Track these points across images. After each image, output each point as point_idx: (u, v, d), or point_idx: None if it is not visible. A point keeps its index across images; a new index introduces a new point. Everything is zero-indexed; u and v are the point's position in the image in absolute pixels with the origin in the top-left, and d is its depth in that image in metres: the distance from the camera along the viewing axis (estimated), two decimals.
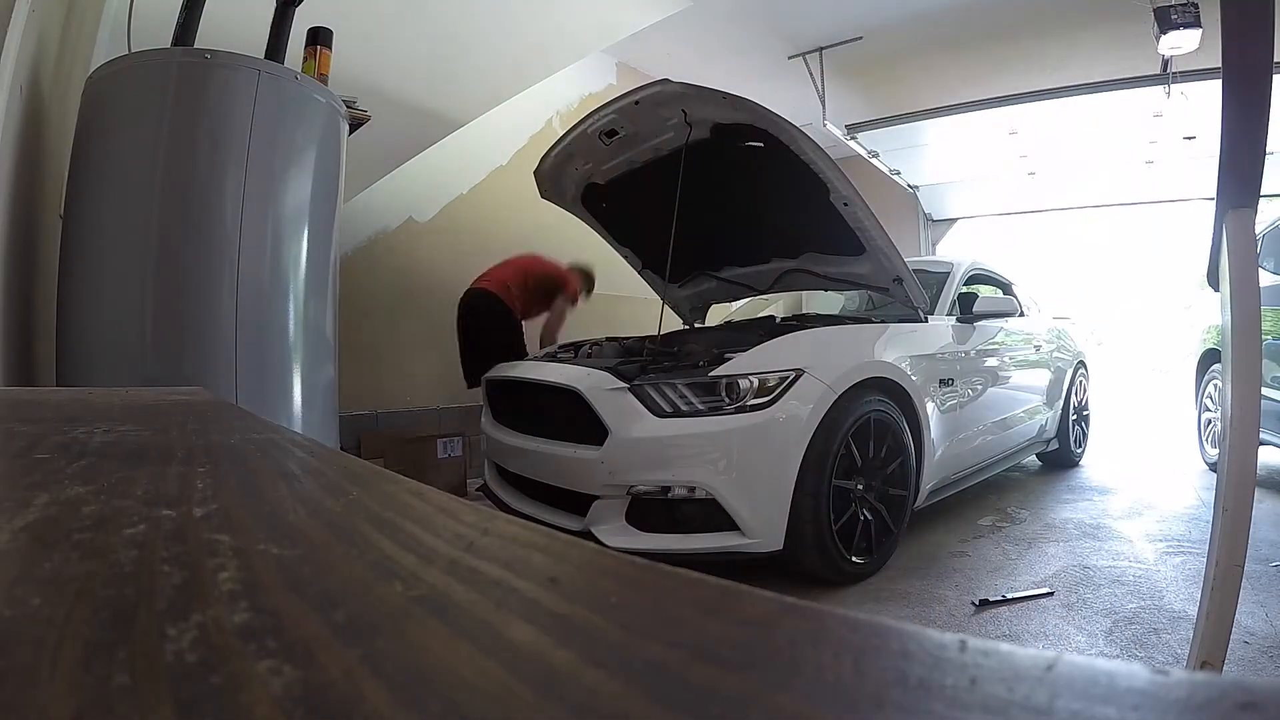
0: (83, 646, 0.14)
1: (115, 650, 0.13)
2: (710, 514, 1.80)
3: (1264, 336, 2.55)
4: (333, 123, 1.65)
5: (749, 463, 1.81)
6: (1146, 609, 1.76)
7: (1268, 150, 1.07)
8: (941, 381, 2.44)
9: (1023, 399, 3.22)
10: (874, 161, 5.52)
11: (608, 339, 2.74)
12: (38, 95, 1.57)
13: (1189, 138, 4.63)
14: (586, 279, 3.45)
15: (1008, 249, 7.23)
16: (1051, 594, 1.87)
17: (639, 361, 2.09)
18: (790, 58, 4.50)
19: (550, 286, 3.33)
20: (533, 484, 2.18)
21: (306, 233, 1.56)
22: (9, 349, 1.39)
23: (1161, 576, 1.99)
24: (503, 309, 3.15)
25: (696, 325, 3.43)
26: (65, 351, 1.42)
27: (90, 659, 0.13)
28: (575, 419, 1.98)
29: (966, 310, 2.81)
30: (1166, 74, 3.73)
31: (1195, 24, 3.19)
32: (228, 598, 0.16)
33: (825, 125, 4.66)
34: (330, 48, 1.79)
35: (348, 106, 1.74)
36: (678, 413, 1.85)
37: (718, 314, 3.73)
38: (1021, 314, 3.33)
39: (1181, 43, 3.28)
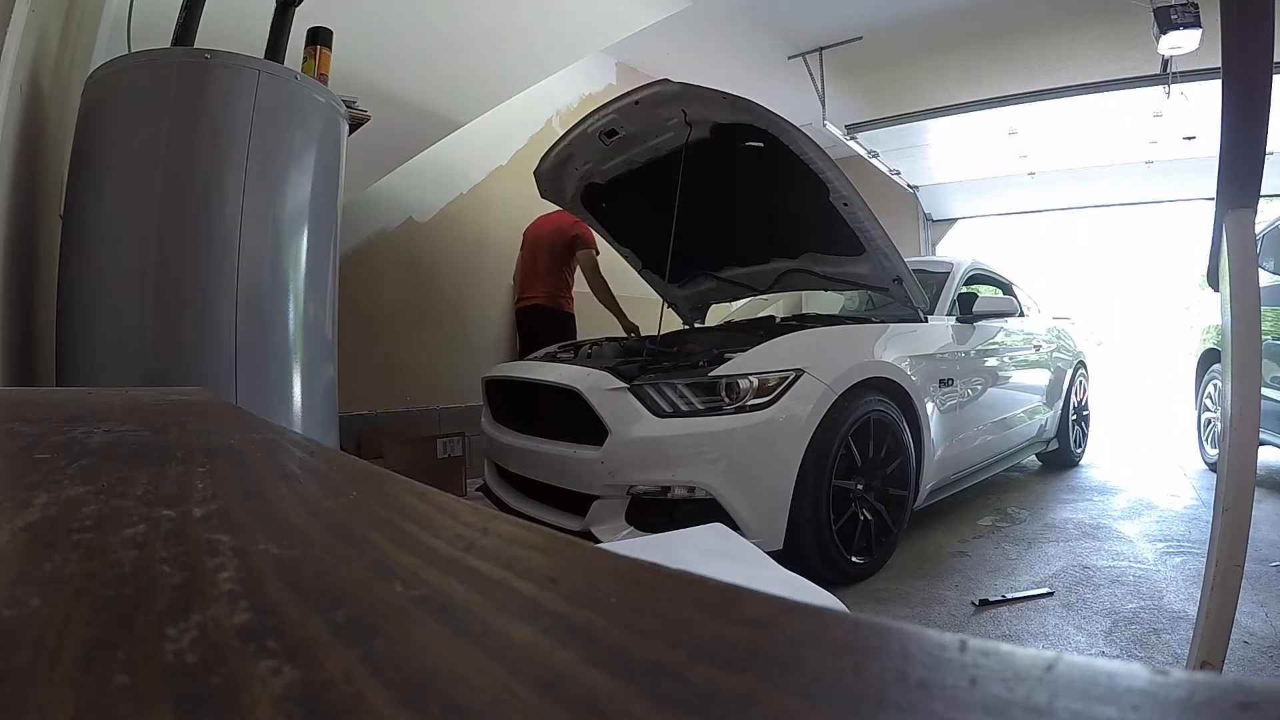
0: (83, 646, 0.14)
1: (115, 650, 0.13)
2: (710, 514, 1.80)
3: (1264, 336, 2.55)
4: (333, 123, 1.65)
5: (749, 463, 1.81)
6: (1146, 609, 1.76)
7: (1268, 150, 1.07)
8: (941, 381, 2.45)
9: (1023, 399, 3.22)
10: (874, 161, 5.52)
11: (608, 339, 2.75)
12: (38, 95, 1.57)
13: (1189, 138, 4.63)
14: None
15: (1008, 249, 7.23)
16: (1051, 594, 1.87)
17: (639, 361, 2.09)
18: (790, 58, 4.50)
19: (565, 242, 3.34)
20: (533, 484, 2.18)
21: (306, 233, 1.56)
22: (9, 349, 1.39)
23: (1161, 576, 1.99)
24: (557, 318, 3.36)
25: (696, 325, 3.43)
26: (65, 351, 1.42)
27: (90, 659, 0.13)
28: (575, 419, 1.98)
29: (966, 310, 2.81)
30: (1166, 74, 3.73)
31: (1195, 24, 3.19)
32: (228, 598, 0.16)
33: (825, 125, 4.66)
34: (330, 48, 1.78)
35: (348, 106, 1.74)
36: (678, 413, 1.85)
37: (718, 314, 3.73)
38: (1021, 314, 3.33)
39: (1181, 43, 3.28)
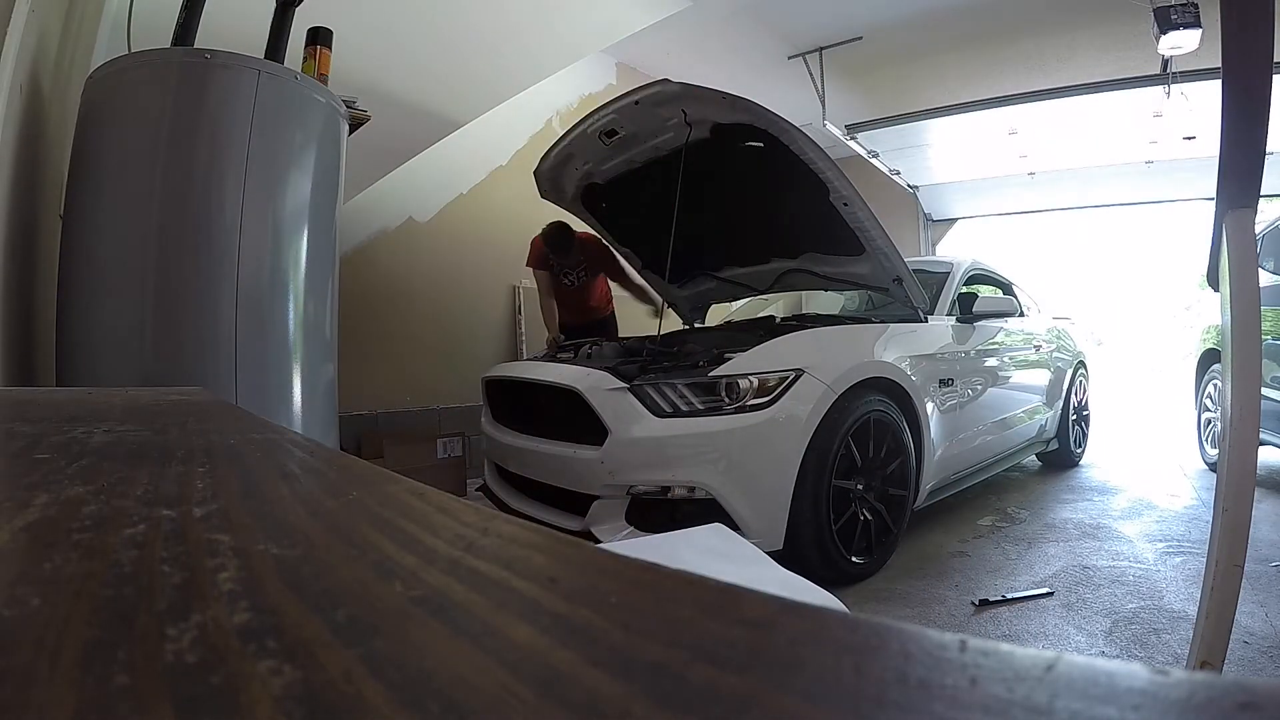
0: (83, 646, 0.14)
1: (115, 650, 0.13)
2: (710, 514, 1.80)
3: (1264, 336, 2.55)
4: (333, 123, 1.65)
5: (749, 463, 1.81)
6: (1146, 609, 1.76)
7: (1268, 150, 1.07)
8: (941, 381, 2.44)
9: (1022, 399, 3.22)
10: (874, 161, 5.52)
11: (608, 339, 2.75)
12: (38, 95, 1.57)
13: (1189, 138, 4.63)
14: (548, 236, 3.09)
15: (1008, 249, 7.24)
16: (1051, 594, 1.87)
17: (639, 361, 2.09)
18: (790, 58, 4.50)
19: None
20: (533, 484, 2.18)
21: (306, 233, 1.56)
22: (9, 349, 1.39)
23: (1161, 576, 1.99)
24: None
25: (696, 325, 3.43)
26: (65, 351, 1.42)
27: (90, 659, 0.13)
28: (575, 419, 1.98)
29: (966, 310, 2.81)
30: (1166, 74, 3.73)
31: (1195, 24, 3.19)
32: (228, 598, 0.16)
33: (825, 125, 4.66)
34: (330, 48, 1.78)
35: (348, 106, 1.74)
36: (677, 413, 1.85)
37: (718, 314, 3.73)
38: (1021, 314, 3.33)
39: (1181, 43, 3.28)
